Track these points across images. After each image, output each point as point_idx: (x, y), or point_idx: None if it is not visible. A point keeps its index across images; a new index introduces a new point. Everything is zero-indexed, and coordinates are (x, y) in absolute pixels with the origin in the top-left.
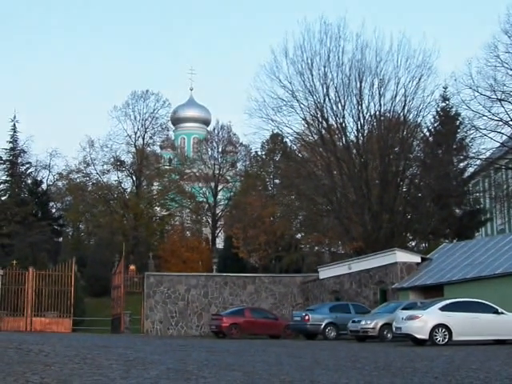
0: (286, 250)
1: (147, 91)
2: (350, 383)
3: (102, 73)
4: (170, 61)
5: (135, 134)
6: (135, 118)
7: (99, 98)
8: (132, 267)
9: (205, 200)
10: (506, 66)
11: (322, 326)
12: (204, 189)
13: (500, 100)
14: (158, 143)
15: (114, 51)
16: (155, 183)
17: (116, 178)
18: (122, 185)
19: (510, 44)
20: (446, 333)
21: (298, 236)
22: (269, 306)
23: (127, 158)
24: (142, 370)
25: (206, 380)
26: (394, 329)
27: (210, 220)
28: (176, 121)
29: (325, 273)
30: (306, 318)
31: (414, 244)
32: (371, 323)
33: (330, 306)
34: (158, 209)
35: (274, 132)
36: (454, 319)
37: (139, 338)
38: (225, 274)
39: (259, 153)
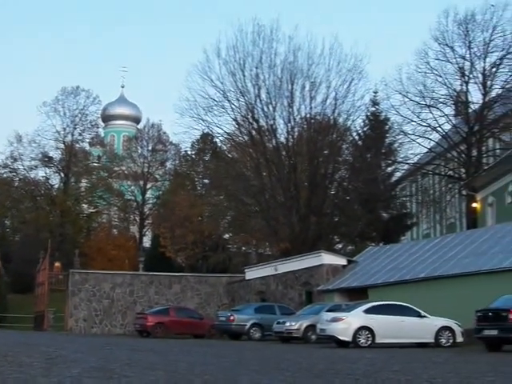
0: (213, 250)
1: (78, 87)
2: (272, 383)
3: (32, 67)
4: (101, 58)
5: (64, 130)
6: (65, 114)
7: (29, 92)
8: (57, 264)
9: (133, 198)
10: (436, 72)
11: (247, 327)
12: (132, 187)
13: (429, 106)
14: (88, 140)
15: (45, 46)
16: (83, 180)
17: (43, 174)
18: (50, 181)
19: (440, 51)
20: (370, 335)
21: (226, 236)
22: (194, 306)
23: (55, 154)
24: (64, 368)
25: (129, 379)
26: (318, 330)
27: (137, 218)
28: (106, 118)
29: (251, 273)
30: (231, 318)
31: (340, 246)
32: (296, 324)
33: (255, 307)
34: (86, 206)
35: (205, 132)
36: (377, 322)
37: (62, 335)
38: (151, 273)
39: (189, 152)
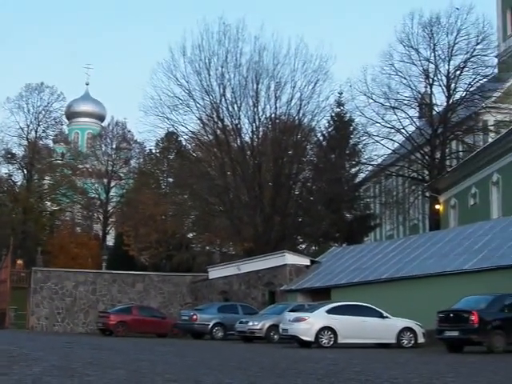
0: (177, 249)
1: (42, 84)
2: (234, 383)
3: None
4: (66, 54)
5: (28, 126)
6: (28, 110)
7: None
8: (19, 262)
9: (97, 196)
10: (401, 74)
11: (210, 326)
12: (96, 185)
13: (393, 108)
14: (51, 137)
15: (9, 42)
16: (47, 177)
17: (6, 171)
18: (13, 178)
19: (405, 53)
20: (332, 335)
21: (190, 235)
22: (157, 305)
23: (19, 151)
24: (25, 366)
25: (90, 378)
26: (280, 330)
27: (101, 217)
28: (70, 115)
29: (214, 273)
30: (194, 317)
31: (304, 247)
32: (258, 324)
33: (218, 307)
34: (49, 203)
35: (169, 130)
36: (339, 322)
37: (24, 333)
38: (114, 272)
39: (153, 151)
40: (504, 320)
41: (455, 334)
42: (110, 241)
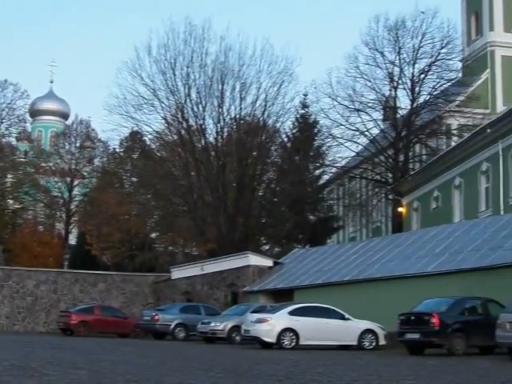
0: (140, 249)
1: (6, 81)
2: None
3: None
4: (31, 52)
5: None
6: None
7: None
8: None
9: (60, 195)
10: (365, 77)
11: (172, 327)
12: (59, 183)
13: (358, 110)
14: (14, 135)
15: None
16: (9, 175)
17: None
18: None
19: (370, 56)
20: (294, 337)
21: (153, 235)
22: (119, 305)
23: None
24: None
25: (50, 377)
26: (242, 331)
27: (63, 215)
28: (34, 113)
29: (177, 273)
30: (156, 317)
31: (267, 248)
32: (220, 325)
33: (180, 307)
34: (11, 202)
35: (134, 130)
36: (301, 324)
37: None
38: (76, 271)
39: (117, 150)
40: (464, 323)
41: (416, 336)
42: (73, 240)
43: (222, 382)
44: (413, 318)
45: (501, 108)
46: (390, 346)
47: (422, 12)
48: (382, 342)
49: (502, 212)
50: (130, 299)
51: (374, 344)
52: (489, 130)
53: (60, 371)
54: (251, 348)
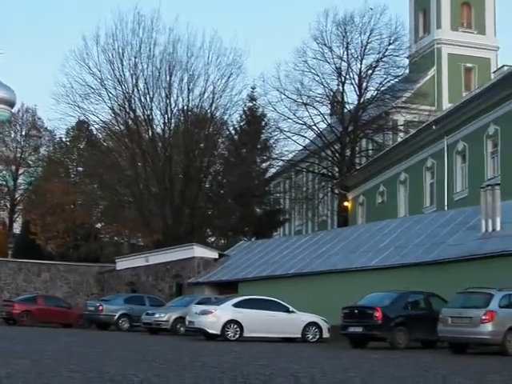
0: (85, 239)
1: None
2: (137, 375)
3: None
4: None
5: None
6: None
7: None
8: None
9: (4, 183)
10: (313, 71)
11: (116, 317)
12: (4, 172)
13: (305, 104)
14: None
15: None
16: None
17: None
18: None
19: (318, 51)
20: (238, 329)
21: (98, 226)
22: (63, 295)
23: None
24: None
25: None
26: (187, 323)
27: (8, 204)
28: None
29: (122, 264)
30: (100, 308)
31: (213, 240)
32: (165, 316)
33: (124, 298)
34: None
35: (80, 119)
36: (246, 316)
37: None
38: (19, 260)
39: (64, 139)
40: (407, 317)
41: (359, 329)
42: (17, 229)
43: (164, 374)
44: (356, 311)
45: (447, 105)
46: (334, 339)
47: (371, 8)
48: (326, 334)
49: (445, 208)
50: (75, 289)
51: (317, 337)
52: (434, 127)
53: (1, 361)
54: (195, 339)
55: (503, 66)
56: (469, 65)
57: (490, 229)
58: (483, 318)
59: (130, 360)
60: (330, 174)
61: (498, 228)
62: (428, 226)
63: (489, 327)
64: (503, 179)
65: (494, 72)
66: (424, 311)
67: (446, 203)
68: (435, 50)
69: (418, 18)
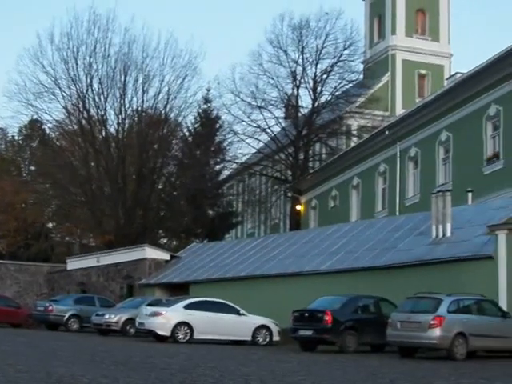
0: (36, 239)
1: None
2: (86, 376)
3: None
4: None
5: None
6: None
7: None
8: None
9: None
10: (268, 74)
11: (66, 318)
12: None
13: (260, 107)
14: None
15: None
16: None
17: None
18: None
19: (274, 54)
20: (188, 331)
21: (50, 225)
22: (13, 294)
23: None
24: None
25: None
26: (137, 324)
27: None
28: None
29: (73, 264)
30: (50, 308)
31: (165, 241)
32: (115, 317)
33: (74, 298)
34: None
35: (33, 118)
36: (196, 318)
37: None
38: None
39: (16, 137)
40: (356, 321)
41: (309, 333)
42: None
43: (113, 375)
44: (306, 314)
45: (400, 111)
46: (284, 342)
47: (327, 13)
48: (276, 337)
49: (397, 213)
50: (24, 289)
51: (267, 340)
52: (387, 132)
53: None
54: (145, 341)
55: (456, 74)
56: (422, 71)
57: (441, 234)
58: (432, 322)
59: (78, 361)
60: (283, 177)
61: (449, 234)
62: (379, 230)
63: (437, 332)
64: (454, 185)
65: (447, 79)
66: (374, 315)
67: (397, 208)
68: (389, 56)
69: (373, 23)
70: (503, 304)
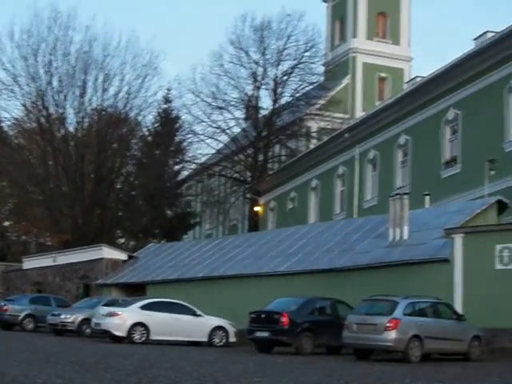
0: None
1: None
2: (40, 376)
3: None
4: None
5: None
6: None
7: None
8: None
9: None
10: (229, 75)
11: (21, 317)
12: None
13: (220, 108)
14: None
15: None
16: None
17: None
18: None
19: (235, 55)
20: (145, 331)
21: (6, 224)
22: None
23: None
24: None
25: None
26: (93, 324)
27: None
28: None
29: (29, 263)
30: (5, 307)
31: (123, 241)
32: (71, 317)
33: (30, 298)
34: None
35: None
36: (153, 318)
37: None
38: None
39: None
40: (313, 322)
41: (265, 334)
42: None
43: (68, 376)
44: (263, 316)
45: (359, 113)
46: (240, 344)
47: (288, 15)
48: (233, 339)
49: (355, 215)
50: None
51: (224, 341)
52: (347, 135)
53: None
54: (101, 341)
55: (416, 77)
56: (383, 74)
57: (398, 237)
58: (387, 325)
59: (33, 361)
60: (242, 178)
61: (406, 237)
62: (337, 232)
63: (392, 334)
64: (412, 188)
65: (406, 82)
66: (330, 317)
67: (355, 211)
68: (350, 59)
69: (334, 26)
70: (458, 307)
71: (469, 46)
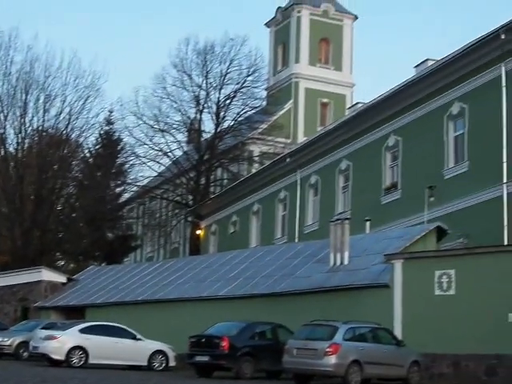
0: None
1: None
2: None
3: None
4: None
5: None
6: None
7: None
8: None
9: None
10: (172, 98)
11: None
12: None
13: (162, 131)
14: None
15: None
16: None
17: None
18: None
19: (178, 78)
20: (83, 355)
21: None
22: None
23: None
24: None
25: None
26: (31, 348)
27: None
28: None
29: None
30: None
31: (63, 263)
32: (8, 340)
33: None
34: None
35: None
36: (92, 342)
37: None
38: None
39: None
40: (253, 347)
41: (205, 358)
42: None
43: None
44: (203, 340)
45: (302, 138)
46: (180, 368)
47: (232, 39)
48: (172, 363)
49: (296, 240)
50: None
51: (163, 365)
52: (288, 159)
53: None
54: (39, 365)
55: (357, 103)
56: (325, 100)
57: (339, 262)
58: (327, 350)
59: None
60: (184, 201)
61: (346, 262)
62: (278, 257)
63: (332, 359)
64: (353, 214)
65: (348, 108)
66: (271, 342)
67: (296, 235)
68: (293, 84)
69: (277, 51)
70: (398, 332)
71: (410, 73)
